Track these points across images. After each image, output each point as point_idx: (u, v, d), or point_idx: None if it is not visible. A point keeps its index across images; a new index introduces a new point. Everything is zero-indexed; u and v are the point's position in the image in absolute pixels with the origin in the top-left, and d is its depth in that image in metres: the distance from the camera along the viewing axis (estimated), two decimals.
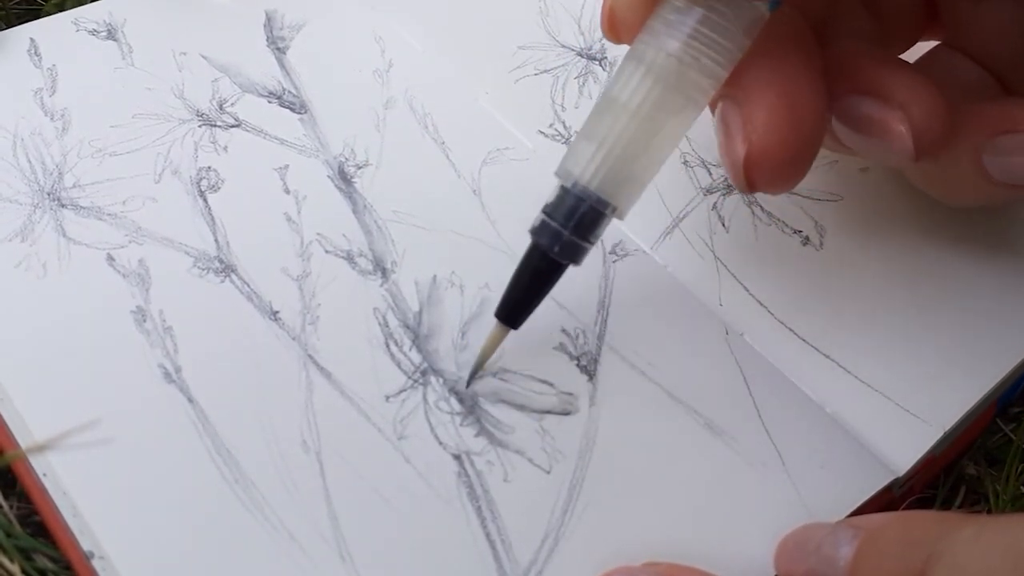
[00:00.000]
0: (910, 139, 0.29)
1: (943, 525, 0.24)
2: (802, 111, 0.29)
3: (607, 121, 0.29)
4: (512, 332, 0.31)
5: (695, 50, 0.28)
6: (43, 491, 0.28)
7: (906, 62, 0.31)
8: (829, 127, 0.31)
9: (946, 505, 0.33)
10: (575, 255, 0.30)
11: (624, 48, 0.30)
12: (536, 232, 0.30)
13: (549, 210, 0.30)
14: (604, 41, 0.41)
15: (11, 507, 0.30)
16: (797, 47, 0.29)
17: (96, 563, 0.27)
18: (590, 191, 0.29)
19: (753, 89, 0.29)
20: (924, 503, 0.33)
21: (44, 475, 0.28)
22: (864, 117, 0.30)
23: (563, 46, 0.41)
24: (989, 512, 0.32)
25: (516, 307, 0.31)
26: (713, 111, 0.31)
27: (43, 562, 0.29)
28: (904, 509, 0.32)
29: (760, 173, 0.29)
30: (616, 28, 0.31)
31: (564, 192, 0.30)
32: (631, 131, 0.29)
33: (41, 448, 0.28)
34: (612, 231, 0.35)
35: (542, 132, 0.38)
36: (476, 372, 0.31)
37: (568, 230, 0.29)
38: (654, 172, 0.30)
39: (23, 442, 0.29)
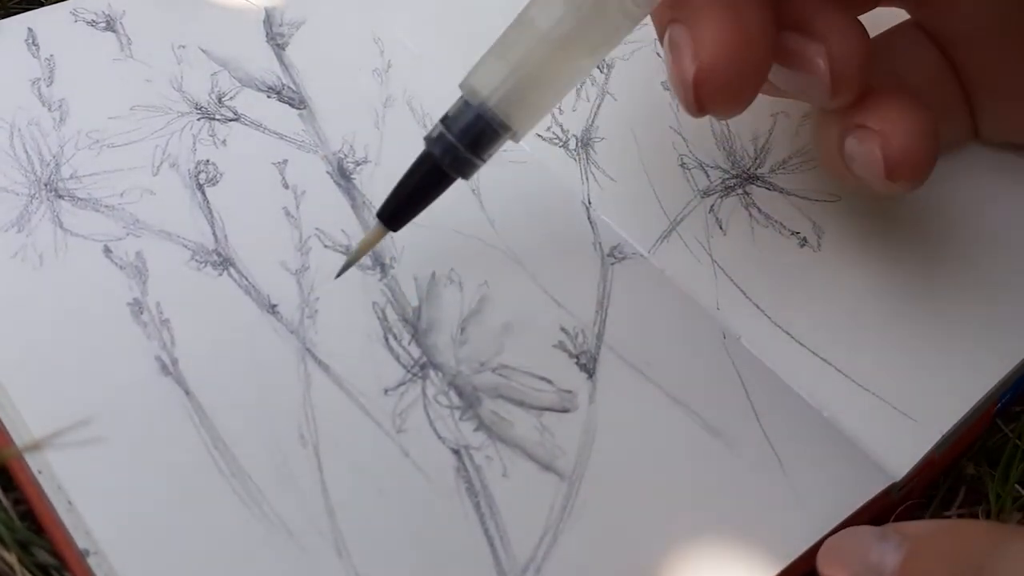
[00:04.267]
0: (827, 73, 0.29)
1: (995, 536, 0.24)
2: (749, 29, 0.28)
3: (521, 44, 0.29)
4: (514, 329, 0.31)
5: None
6: (37, 487, 0.28)
7: (839, 3, 0.30)
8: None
9: (945, 505, 0.33)
10: (465, 170, 0.30)
11: None
12: (431, 142, 0.30)
13: (448, 122, 0.30)
14: None
15: (11, 502, 0.30)
16: None
17: (91, 560, 0.26)
18: (494, 113, 0.29)
19: (701, 9, 0.29)
20: (923, 503, 0.33)
21: (39, 472, 0.28)
22: (788, 51, 0.30)
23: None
24: (989, 513, 0.32)
25: (398, 210, 0.31)
26: (661, 40, 0.31)
27: (43, 556, 0.29)
28: (904, 509, 0.32)
29: (708, 92, 0.29)
30: None
31: (466, 107, 0.30)
32: (544, 61, 0.29)
33: (37, 446, 0.28)
34: (610, 234, 0.35)
35: (540, 136, 0.38)
36: (347, 268, 0.32)
37: (464, 145, 0.30)
38: (557, 101, 0.31)
39: (17, 434, 0.28)
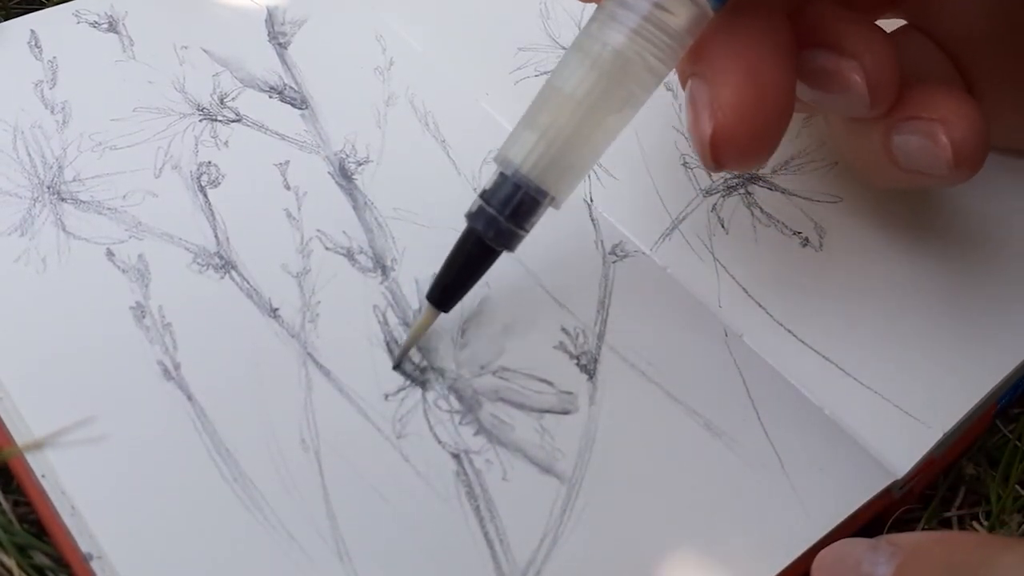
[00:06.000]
0: (864, 87, 0.29)
1: (987, 549, 0.24)
2: (767, 89, 0.28)
3: (549, 111, 0.29)
4: (514, 330, 0.31)
5: (639, 47, 0.28)
6: (41, 491, 0.28)
7: (862, 17, 0.30)
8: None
9: (945, 506, 0.33)
10: (509, 242, 0.30)
11: None
12: (472, 217, 0.30)
13: (487, 196, 0.30)
14: None
15: (11, 504, 0.30)
16: (762, 23, 0.29)
17: (95, 564, 0.27)
18: (529, 180, 0.29)
19: (719, 67, 0.29)
20: (923, 503, 0.33)
21: (43, 476, 0.28)
22: (820, 69, 0.30)
23: (563, 48, 0.41)
24: (989, 514, 0.32)
25: (447, 290, 0.31)
26: (684, 86, 0.31)
27: (41, 559, 0.29)
28: (903, 510, 0.32)
29: (725, 152, 0.29)
30: None
31: (502, 179, 0.29)
32: (573, 123, 0.29)
33: (38, 445, 0.28)
34: (612, 232, 0.35)
35: None
36: (404, 354, 0.31)
37: (504, 217, 0.29)
38: (593, 163, 0.30)
39: (20, 438, 0.29)
